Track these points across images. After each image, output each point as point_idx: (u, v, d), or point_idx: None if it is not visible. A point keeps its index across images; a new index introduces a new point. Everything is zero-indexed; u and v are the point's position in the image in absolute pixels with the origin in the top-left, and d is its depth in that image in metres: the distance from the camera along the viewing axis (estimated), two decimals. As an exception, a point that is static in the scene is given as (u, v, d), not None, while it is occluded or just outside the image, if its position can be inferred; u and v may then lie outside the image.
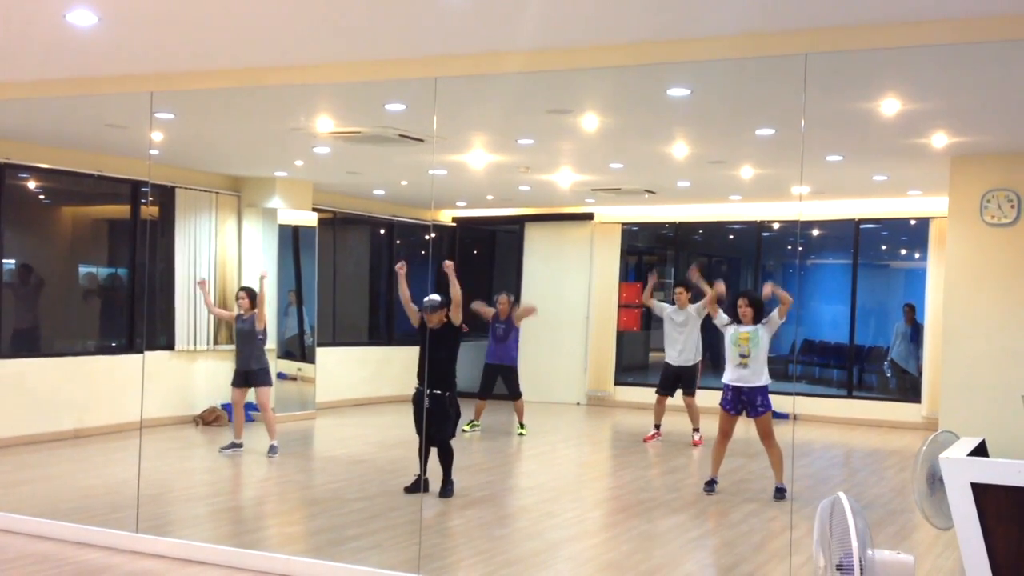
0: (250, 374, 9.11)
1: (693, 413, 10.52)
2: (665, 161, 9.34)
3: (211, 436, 9.37)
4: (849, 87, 6.22)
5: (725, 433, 8.00)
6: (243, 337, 9.20)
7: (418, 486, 7.41)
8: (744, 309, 7.92)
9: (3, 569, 5.54)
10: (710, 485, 8.00)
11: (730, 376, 7.88)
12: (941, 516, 5.28)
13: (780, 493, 7.78)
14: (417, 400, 7.41)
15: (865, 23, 4.76)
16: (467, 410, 10.51)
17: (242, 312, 9.24)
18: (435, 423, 7.31)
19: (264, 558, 5.69)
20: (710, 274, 16.95)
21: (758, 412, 7.80)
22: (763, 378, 7.83)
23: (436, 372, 7.33)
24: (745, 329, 7.88)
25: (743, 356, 7.83)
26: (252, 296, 9.25)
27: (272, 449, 9.10)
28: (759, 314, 7.91)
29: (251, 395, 9.30)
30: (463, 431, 10.50)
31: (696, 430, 10.49)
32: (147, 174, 9.75)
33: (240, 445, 9.12)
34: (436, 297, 7.55)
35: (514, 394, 10.83)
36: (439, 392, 7.34)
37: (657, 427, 10.68)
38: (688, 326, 10.38)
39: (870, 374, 14.16)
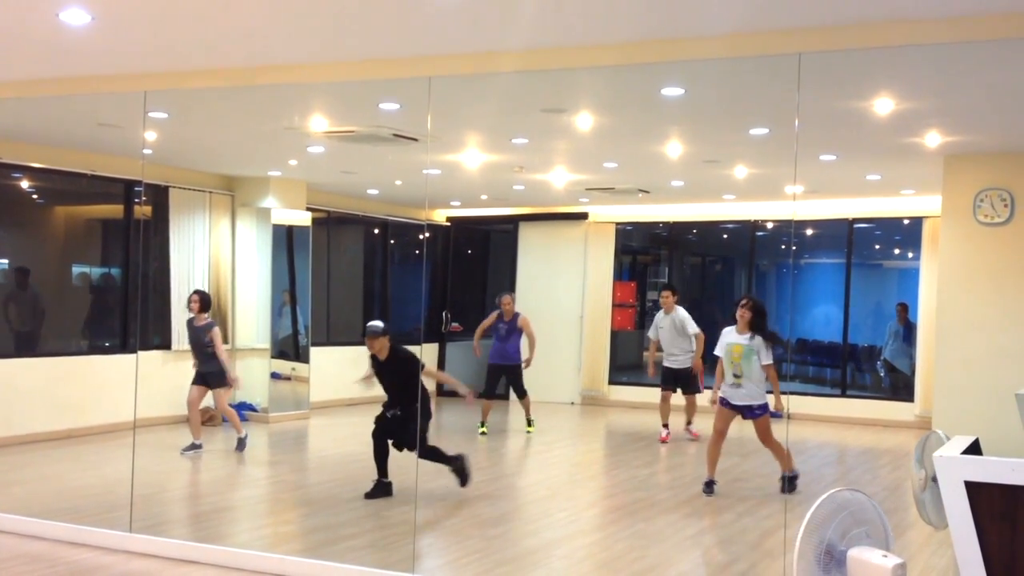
0: (207, 375, 9.04)
1: (689, 408, 10.51)
2: (659, 160, 9.34)
3: (205, 436, 9.34)
4: (843, 86, 6.24)
5: (720, 432, 7.84)
6: (194, 341, 9.12)
7: (376, 491, 7.41)
8: (742, 311, 7.63)
9: (-4, 569, 5.53)
10: (708, 487, 7.83)
11: (725, 392, 7.75)
12: (935, 515, 5.28)
13: (790, 483, 7.65)
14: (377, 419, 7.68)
15: (859, 22, 4.76)
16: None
17: (192, 316, 9.11)
18: (396, 438, 7.49)
19: (258, 558, 5.68)
20: (703, 274, 17.08)
21: (755, 415, 7.68)
22: (759, 397, 7.61)
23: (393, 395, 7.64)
24: (739, 340, 7.62)
25: (736, 376, 7.60)
26: (203, 299, 9.11)
27: (240, 443, 9.12)
28: (758, 323, 7.61)
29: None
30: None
31: (689, 423, 10.51)
32: (140, 173, 9.72)
33: (200, 446, 9.00)
34: (379, 323, 7.60)
35: (520, 393, 10.79)
36: (397, 412, 7.51)
37: (665, 426, 10.58)
38: (674, 330, 10.39)
39: (863, 373, 14.19)
